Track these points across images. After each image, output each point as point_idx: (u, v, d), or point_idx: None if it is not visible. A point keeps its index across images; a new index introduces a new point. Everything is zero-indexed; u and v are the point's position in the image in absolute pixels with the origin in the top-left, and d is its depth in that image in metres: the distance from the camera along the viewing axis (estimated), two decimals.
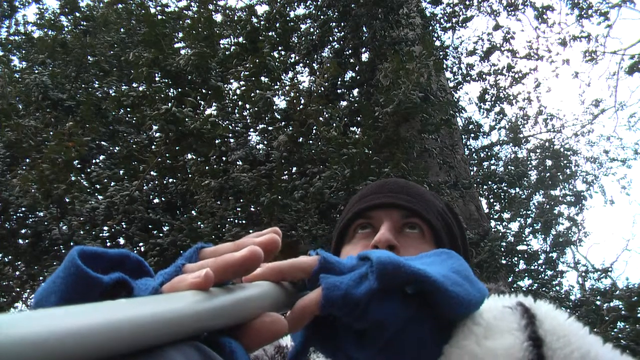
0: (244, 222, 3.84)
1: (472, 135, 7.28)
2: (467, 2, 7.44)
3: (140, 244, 3.62)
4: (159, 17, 4.60)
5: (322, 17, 5.55)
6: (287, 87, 4.12)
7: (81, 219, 3.34)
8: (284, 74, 5.11)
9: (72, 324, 0.21)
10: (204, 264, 0.35)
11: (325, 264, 0.41)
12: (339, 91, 5.43)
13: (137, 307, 0.26)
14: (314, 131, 3.95)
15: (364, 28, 5.43)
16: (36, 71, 4.68)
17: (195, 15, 4.68)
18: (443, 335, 0.43)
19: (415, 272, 0.40)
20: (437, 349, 0.42)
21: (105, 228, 3.49)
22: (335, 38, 5.62)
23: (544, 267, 5.98)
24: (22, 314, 0.20)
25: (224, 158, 4.12)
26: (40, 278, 3.60)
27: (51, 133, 3.58)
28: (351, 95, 5.62)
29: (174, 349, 0.28)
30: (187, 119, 3.25)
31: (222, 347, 0.32)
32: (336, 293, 0.39)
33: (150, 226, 3.79)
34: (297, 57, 5.57)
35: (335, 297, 0.38)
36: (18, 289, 3.91)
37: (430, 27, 6.61)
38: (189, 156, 3.96)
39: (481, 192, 5.91)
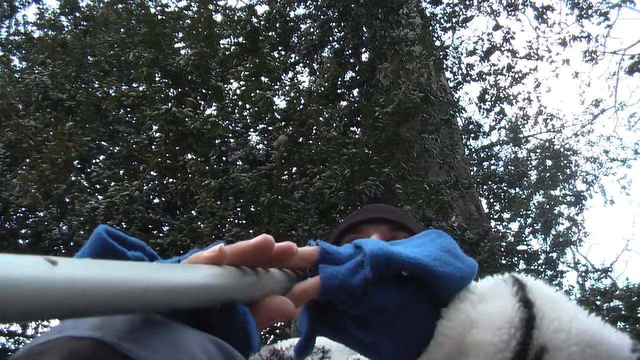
0: (244, 222, 3.84)
1: (472, 135, 7.28)
2: (467, 2, 7.44)
3: None
4: (159, 17, 4.60)
5: (322, 17, 5.55)
6: (287, 87, 4.12)
7: (81, 219, 3.34)
8: (284, 74, 5.11)
9: (104, 276, 0.23)
10: (220, 246, 0.38)
11: (325, 254, 0.44)
12: (339, 91, 5.43)
13: (154, 269, 0.28)
14: (314, 131, 3.95)
15: (364, 28, 5.43)
16: (36, 71, 4.67)
17: (195, 15, 4.67)
18: (440, 308, 0.45)
19: (406, 260, 0.42)
20: (436, 319, 0.45)
21: None
22: (335, 38, 5.62)
23: (544, 267, 5.97)
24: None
25: (224, 158, 4.12)
26: None
27: (51, 133, 3.58)
28: (351, 95, 5.62)
29: (185, 334, 0.29)
30: (187, 119, 3.25)
31: (235, 308, 0.34)
32: (333, 282, 0.42)
33: (150, 226, 3.79)
34: (297, 57, 5.57)
35: (332, 286, 0.41)
36: None
37: (430, 27, 6.61)
38: (189, 156, 3.96)
39: (481, 192, 5.91)
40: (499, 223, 6.44)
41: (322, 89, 4.45)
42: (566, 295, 0.46)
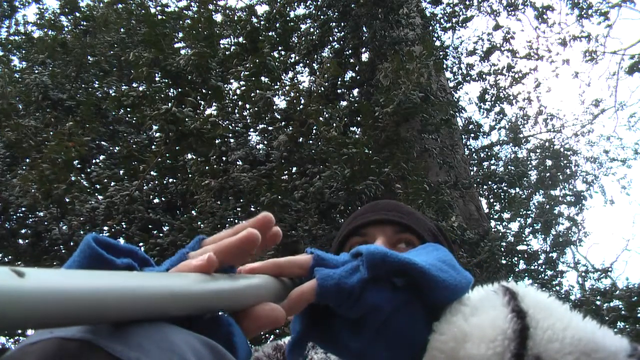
0: (244, 222, 3.83)
1: (472, 135, 7.27)
2: (467, 2, 7.43)
3: (141, 244, 3.62)
4: (159, 17, 4.60)
5: (322, 17, 5.55)
6: (287, 87, 4.12)
7: (81, 219, 3.34)
8: (284, 74, 5.11)
9: (84, 286, 0.23)
10: (207, 249, 0.37)
11: (319, 260, 0.44)
12: (339, 91, 5.43)
13: (143, 279, 0.27)
14: (314, 131, 3.95)
15: (364, 28, 5.42)
16: (36, 71, 4.67)
17: (195, 15, 4.67)
18: (433, 319, 0.45)
19: (402, 260, 0.42)
20: (429, 329, 0.44)
21: (105, 228, 3.48)
22: (335, 38, 5.62)
23: (544, 267, 5.97)
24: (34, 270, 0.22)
25: (224, 158, 4.11)
26: None
27: (51, 133, 3.58)
28: (351, 95, 5.61)
29: (175, 335, 0.29)
30: (187, 119, 3.25)
31: (219, 320, 0.34)
32: (329, 282, 0.41)
33: (150, 226, 3.79)
34: (297, 57, 5.57)
35: (329, 286, 0.41)
36: None
37: (430, 27, 6.60)
38: (189, 156, 3.96)
39: (481, 192, 5.91)
40: (499, 223, 6.44)
41: (322, 89, 4.45)
42: (559, 301, 0.46)
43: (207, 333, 0.33)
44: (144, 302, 0.26)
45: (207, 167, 3.80)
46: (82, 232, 3.33)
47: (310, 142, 4.04)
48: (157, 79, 4.10)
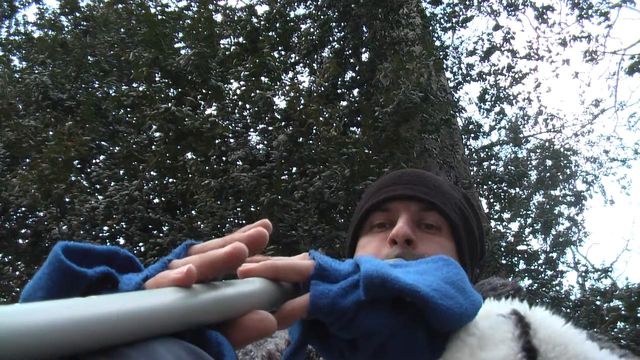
0: (244, 222, 3.84)
1: (472, 135, 7.27)
2: (467, 2, 7.44)
3: (140, 243, 3.62)
4: (159, 17, 4.60)
5: (322, 17, 5.55)
6: (287, 87, 4.12)
7: (81, 218, 3.34)
8: (284, 74, 5.10)
9: (44, 319, 0.22)
10: (189, 260, 0.35)
11: (320, 270, 0.41)
12: (339, 91, 5.43)
13: (113, 303, 0.26)
14: (314, 131, 3.95)
15: (364, 28, 5.43)
16: (36, 71, 4.67)
17: (195, 15, 4.68)
18: (436, 344, 0.42)
19: (403, 287, 0.39)
20: (430, 357, 0.42)
21: (105, 228, 3.49)
22: (335, 38, 5.62)
23: (544, 267, 5.98)
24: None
25: (224, 158, 4.11)
26: None
27: (51, 133, 3.58)
28: (351, 95, 5.61)
29: (158, 343, 0.28)
30: (186, 118, 3.25)
31: (208, 340, 0.32)
32: (323, 301, 0.39)
33: (150, 226, 3.79)
34: (297, 57, 5.57)
35: (322, 305, 0.39)
36: (18, 289, 3.91)
37: (430, 27, 6.60)
38: (189, 156, 3.96)
39: (481, 192, 5.91)
40: (499, 223, 6.43)
41: (322, 89, 4.45)
42: (575, 329, 0.43)
43: None
44: (112, 329, 0.25)
45: (207, 167, 3.80)
46: (82, 232, 3.33)
47: (310, 142, 4.04)
48: (157, 79, 4.10)
